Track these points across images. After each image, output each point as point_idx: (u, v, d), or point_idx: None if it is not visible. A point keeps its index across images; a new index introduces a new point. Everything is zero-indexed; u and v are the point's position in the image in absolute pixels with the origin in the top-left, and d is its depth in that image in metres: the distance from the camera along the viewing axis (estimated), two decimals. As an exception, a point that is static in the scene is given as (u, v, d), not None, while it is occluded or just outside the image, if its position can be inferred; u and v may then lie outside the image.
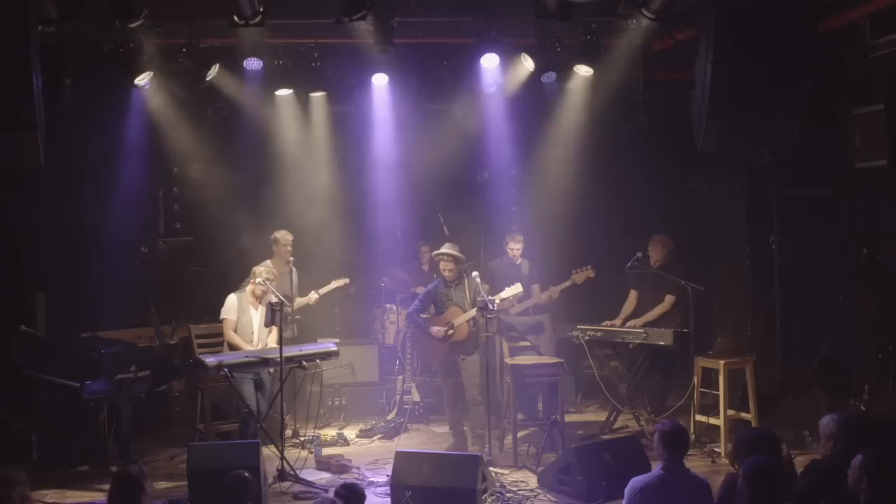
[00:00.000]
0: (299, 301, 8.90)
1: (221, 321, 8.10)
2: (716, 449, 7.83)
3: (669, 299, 8.37)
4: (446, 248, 8.18)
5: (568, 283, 8.81)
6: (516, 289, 8.13)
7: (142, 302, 8.59)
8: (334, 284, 9.10)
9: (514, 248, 8.91)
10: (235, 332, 8.04)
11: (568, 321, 8.81)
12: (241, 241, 9.22)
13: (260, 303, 8.08)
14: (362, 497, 5.15)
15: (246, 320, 8.08)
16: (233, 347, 7.99)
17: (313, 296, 8.94)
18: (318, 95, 9.30)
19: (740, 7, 7.41)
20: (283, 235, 8.80)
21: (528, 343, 8.80)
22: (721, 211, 10.18)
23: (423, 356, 8.69)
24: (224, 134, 9.39)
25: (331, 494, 5.26)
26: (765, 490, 4.49)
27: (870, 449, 4.58)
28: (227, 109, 8.90)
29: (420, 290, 8.99)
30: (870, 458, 4.48)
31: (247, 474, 5.25)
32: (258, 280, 7.91)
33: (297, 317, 8.94)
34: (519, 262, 8.93)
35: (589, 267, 8.74)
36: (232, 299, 8.10)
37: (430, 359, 8.43)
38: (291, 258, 8.71)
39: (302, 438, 8.33)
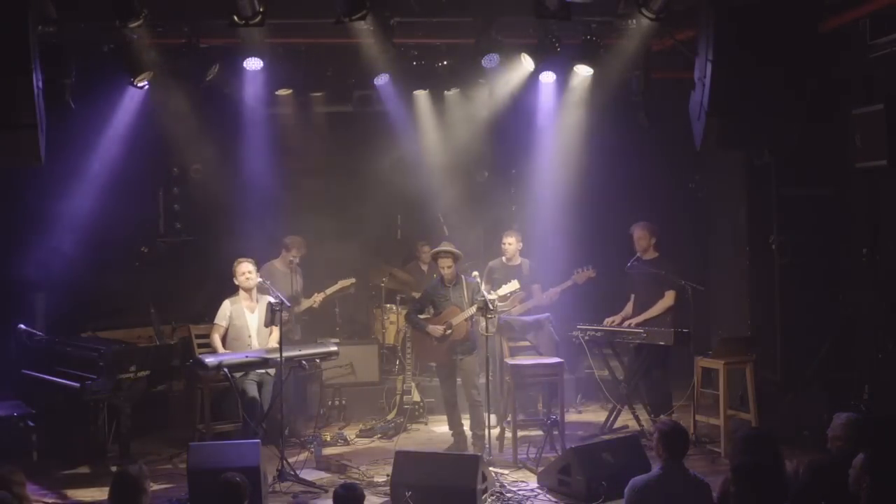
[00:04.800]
0: (305, 303, 8.89)
1: (213, 325, 8.15)
2: (716, 449, 7.83)
3: (670, 294, 8.37)
4: (445, 246, 8.19)
5: (569, 283, 8.83)
6: (513, 286, 8.13)
7: (142, 302, 8.60)
8: (340, 284, 9.10)
9: (507, 242, 8.90)
10: (228, 336, 8.09)
11: (568, 321, 8.81)
12: (241, 241, 9.22)
13: (255, 302, 8.10)
14: (361, 497, 5.14)
15: (241, 324, 8.10)
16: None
17: (318, 297, 8.93)
18: (318, 95, 9.30)
19: (740, 7, 7.41)
20: (301, 245, 8.80)
21: (527, 343, 8.80)
22: (721, 211, 10.18)
23: (422, 356, 8.69)
24: (224, 134, 9.40)
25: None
26: (753, 490, 4.49)
27: (871, 448, 4.58)
28: (227, 109, 8.90)
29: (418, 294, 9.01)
30: (872, 457, 4.48)
31: (238, 478, 5.18)
32: (246, 277, 7.96)
33: (305, 317, 8.93)
34: (518, 261, 8.93)
35: (590, 267, 8.76)
36: (225, 306, 8.15)
37: (429, 359, 8.43)
38: (295, 261, 8.77)
39: (302, 438, 8.33)
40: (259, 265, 8.31)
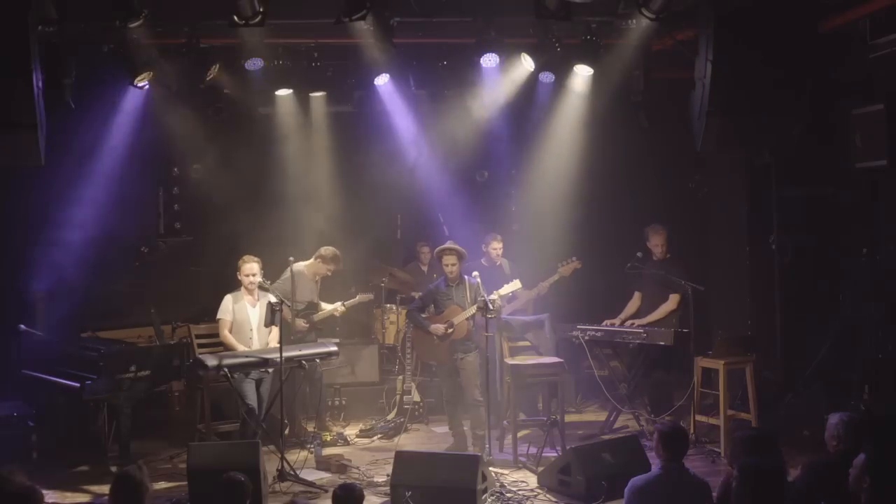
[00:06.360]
0: (326, 310, 8.83)
1: (217, 321, 8.12)
2: (716, 449, 7.83)
3: (674, 298, 8.36)
4: (449, 244, 8.19)
5: (556, 277, 8.83)
6: (515, 285, 8.14)
7: (142, 302, 8.60)
8: (359, 298, 9.08)
9: (497, 247, 8.96)
10: (231, 331, 8.06)
11: (568, 321, 8.81)
12: (241, 240, 9.22)
13: (257, 298, 8.09)
14: (360, 498, 5.14)
15: (242, 319, 8.09)
16: (227, 348, 8.01)
17: (339, 307, 8.87)
18: (317, 95, 9.30)
19: (740, 7, 7.42)
20: (339, 261, 8.69)
21: (527, 343, 8.80)
22: (721, 211, 10.18)
23: (424, 356, 8.69)
24: (224, 134, 9.40)
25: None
26: (758, 490, 4.49)
27: (872, 448, 4.58)
28: (227, 109, 8.90)
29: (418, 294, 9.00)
30: (872, 457, 4.48)
31: (241, 477, 5.20)
32: (250, 279, 7.94)
33: (320, 327, 8.87)
34: (499, 262, 8.95)
35: (574, 258, 8.77)
36: (227, 300, 8.12)
37: (430, 358, 8.43)
38: (329, 274, 8.75)
39: (302, 438, 8.34)
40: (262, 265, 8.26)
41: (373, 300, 9.56)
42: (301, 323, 8.54)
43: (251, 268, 8.01)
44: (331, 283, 9.06)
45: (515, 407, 8.20)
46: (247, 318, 8.10)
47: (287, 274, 8.21)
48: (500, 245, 9.00)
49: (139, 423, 7.89)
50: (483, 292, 7.86)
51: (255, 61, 8.42)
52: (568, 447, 7.42)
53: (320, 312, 8.72)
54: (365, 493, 6.91)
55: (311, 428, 8.64)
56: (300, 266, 8.62)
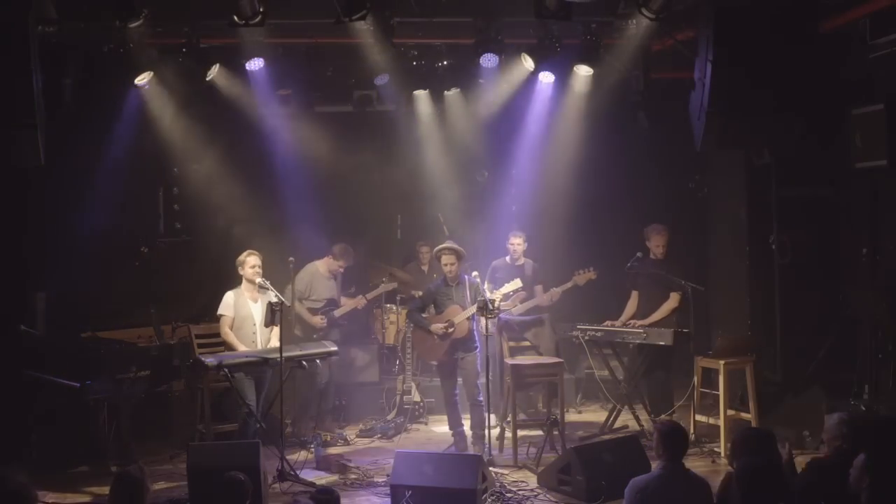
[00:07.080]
0: (348, 304, 8.87)
1: (219, 318, 8.10)
2: (716, 449, 7.83)
3: (675, 296, 8.36)
4: (448, 244, 8.19)
5: (570, 285, 8.81)
6: (515, 284, 8.14)
7: (142, 302, 8.60)
8: (382, 288, 9.10)
9: (515, 243, 8.89)
10: (232, 328, 8.05)
11: (568, 321, 8.81)
12: (240, 240, 9.21)
13: (258, 293, 8.09)
14: (337, 502, 5.15)
15: (245, 314, 8.05)
16: (228, 345, 7.99)
17: (361, 300, 8.92)
18: (318, 95, 9.30)
19: (740, 7, 7.41)
20: (350, 256, 8.81)
21: (528, 343, 8.80)
22: (721, 211, 10.18)
23: (424, 356, 8.70)
24: (224, 134, 9.40)
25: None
26: (756, 490, 4.49)
27: (872, 448, 4.58)
28: (228, 109, 8.91)
29: (419, 293, 9.01)
30: (872, 457, 4.48)
31: (241, 476, 5.21)
32: (256, 270, 7.95)
33: (343, 322, 8.93)
34: (521, 261, 8.93)
35: (591, 268, 8.74)
36: (229, 296, 8.09)
37: (431, 358, 8.43)
38: (341, 270, 8.86)
39: (303, 438, 8.34)
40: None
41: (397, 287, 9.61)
42: (318, 320, 8.58)
43: (256, 260, 8.01)
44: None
45: (515, 407, 8.20)
46: (249, 314, 8.06)
47: (300, 274, 8.45)
48: (520, 241, 8.91)
49: (139, 423, 7.90)
50: (483, 291, 7.86)
51: (255, 61, 8.42)
52: (568, 447, 7.42)
53: (342, 307, 8.78)
54: (365, 493, 6.99)
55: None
56: (317, 264, 8.72)
